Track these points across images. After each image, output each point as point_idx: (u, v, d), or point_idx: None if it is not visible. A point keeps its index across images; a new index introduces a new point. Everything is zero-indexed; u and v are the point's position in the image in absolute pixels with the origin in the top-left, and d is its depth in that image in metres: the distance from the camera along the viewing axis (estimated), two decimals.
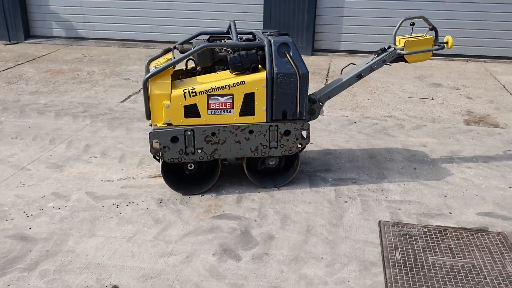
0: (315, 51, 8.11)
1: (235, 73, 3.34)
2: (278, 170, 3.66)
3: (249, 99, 3.33)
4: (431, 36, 3.75)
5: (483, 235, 3.04)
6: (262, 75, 3.30)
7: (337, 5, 7.87)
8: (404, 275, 2.64)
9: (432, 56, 3.89)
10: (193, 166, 3.50)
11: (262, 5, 7.96)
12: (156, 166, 3.92)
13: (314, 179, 3.74)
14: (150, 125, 3.40)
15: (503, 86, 6.51)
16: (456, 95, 6.06)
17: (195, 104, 3.29)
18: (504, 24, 7.62)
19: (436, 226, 3.14)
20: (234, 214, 3.25)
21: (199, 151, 3.37)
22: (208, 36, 3.76)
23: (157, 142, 3.30)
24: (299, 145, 3.50)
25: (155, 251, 2.85)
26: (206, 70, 3.51)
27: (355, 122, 5.00)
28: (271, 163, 3.58)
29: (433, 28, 3.72)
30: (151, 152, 3.34)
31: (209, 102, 3.30)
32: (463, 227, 3.13)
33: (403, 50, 3.68)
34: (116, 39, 8.68)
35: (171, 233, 3.03)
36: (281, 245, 2.92)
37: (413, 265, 2.73)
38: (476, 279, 2.62)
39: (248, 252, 2.85)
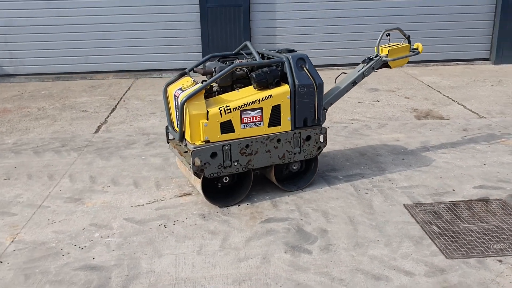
0: None
1: (259, 88, 3.63)
2: (297, 174, 3.99)
3: (276, 110, 3.65)
4: (407, 44, 4.36)
5: (488, 203, 3.65)
6: (286, 88, 3.64)
7: (268, 25, 8.42)
8: (450, 242, 3.12)
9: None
10: (228, 179, 3.71)
11: (199, 29, 8.25)
12: (176, 186, 4.05)
13: (327, 179, 4.13)
14: (185, 145, 3.56)
15: (428, 85, 7.49)
16: (395, 96, 6.86)
17: (230, 120, 3.52)
18: (413, 32, 8.71)
19: (449, 201, 3.69)
20: (279, 217, 3.52)
21: (235, 163, 3.59)
22: (218, 58, 4.02)
23: (198, 159, 3.47)
24: (319, 148, 3.88)
25: (231, 258, 3.03)
26: (225, 89, 3.75)
27: (328, 127, 5.50)
28: (294, 167, 3.90)
29: (408, 37, 4.34)
30: (193, 169, 3.49)
31: (242, 117, 3.55)
32: (470, 199, 3.72)
33: (387, 57, 4.25)
34: (48, 73, 8.38)
35: (233, 241, 3.22)
36: (337, 235, 3.25)
37: (452, 234, 3.22)
38: (505, 236, 3.18)
39: (314, 245, 3.14)
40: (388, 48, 4.25)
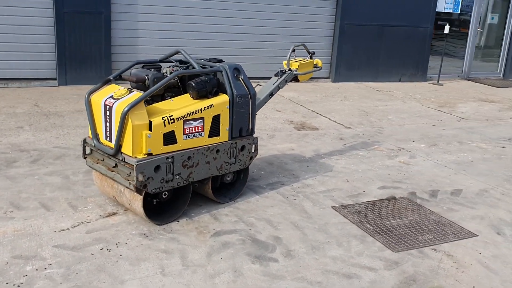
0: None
1: (197, 98, 3.52)
2: (227, 185, 3.95)
3: (216, 120, 3.58)
4: (311, 60, 4.69)
5: (397, 200, 4.14)
6: (225, 97, 3.60)
7: (130, 35, 8.09)
8: (387, 237, 3.46)
9: None
10: (167, 194, 3.48)
11: (54, 35, 7.50)
12: (96, 206, 3.65)
13: (252, 188, 4.17)
14: (122, 159, 3.25)
15: (290, 100, 8.06)
16: (268, 110, 7.22)
17: (173, 130, 3.34)
18: (259, 51, 9.30)
19: (366, 201, 4.07)
20: (226, 229, 3.44)
21: (177, 177, 3.41)
22: (142, 64, 3.77)
23: (142, 173, 3.20)
24: (251, 158, 3.91)
25: (201, 275, 2.87)
26: (154, 98, 3.55)
27: None
28: (228, 178, 3.85)
29: (312, 54, 4.67)
30: (136, 185, 3.20)
31: (185, 127, 3.40)
32: (381, 199, 4.16)
33: (297, 71, 4.50)
34: None
35: (193, 258, 3.05)
36: (292, 241, 3.33)
37: (385, 230, 3.57)
38: (426, 228, 3.65)
39: (276, 253, 3.16)
40: (298, 62, 4.52)
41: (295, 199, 4.01)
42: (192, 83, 3.48)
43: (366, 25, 9.88)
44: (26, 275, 2.75)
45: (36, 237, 3.17)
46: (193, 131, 3.46)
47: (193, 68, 3.61)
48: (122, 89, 3.37)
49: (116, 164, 3.40)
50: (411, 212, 3.92)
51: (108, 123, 3.34)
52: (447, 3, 10.83)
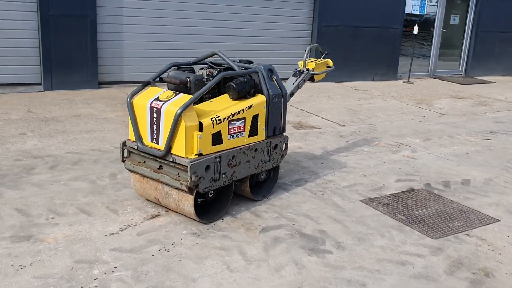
0: (100, 84, 7.97)
1: (236, 98, 3.59)
2: (258, 183, 4.03)
3: (255, 120, 3.66)
4: (325, 60, 4.85)
5: (416, 192, 4.36)
6: (262, 98, 3.69)
7: (116, 38, 7.98)
8: (422, 226, 3.67)
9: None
10: (212, 193, 3.54)
11: (38, 39, 7.29)
12: (136, 209, 3.65)
13: (279, 186, 4.27)
14: (172, 160, 3.28)
15: None
16: None
17: (220, 131, 3.40)
18: (238, 53, 9.42)
19: (390, 194, 4.27)
20: (271, 225, 3.54)
21: (223, 176, 3.47)
22: (177, 67, 3.80)
23: (195, 173, 3.24)
24: (282, 156, 4.01)
25: (266, 269, 2.95)
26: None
27: None
28: (261, 176, 3.94)
29: (326, 54, 4.84)
30: (190, 185, 3.23)
31: (229, 127, 3.47)
32: (402, 191, 4.37)
33: (313, 71, 4.65)
34: None
35: (252, 253, 3.13)
36: (337, 234, 3.47)
37: (416, 219, 3.78)
38: (453, 216, 3.89)
39: (327, 245, 3.29)
40: (315, 62, 4.67)
41: (323, 195, 4.15)
42: (233, 84, 3.55)
43: (342, 27, 10.19)
44: (97, 279, 2.74)
45: (89, 242, 3.14)
46: (236, 131, 3.53)
47: (232, 69, 3.68)
48: (168, 91, 3.40)
49: (160, 166, 3.42)
50: (433, 202, 4.15)
51: (155, 125, 3.35)
52: (414, 5, 11.34)
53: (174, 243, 3.20)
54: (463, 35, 12.61)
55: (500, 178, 4.86)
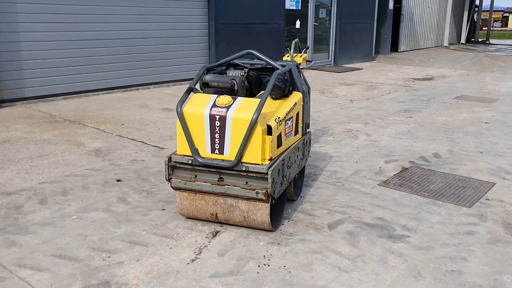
0: (0, 102, 6.83)
1: (276, 97, 3.47)
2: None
3: (297, 118, 3.57)
4: (305, 54, 4.90)
5: (410, 170, 4.70)
6: (300, 94, 3.61)
7: (13, 49, 6.91)
8: (447, 198, 3.98)
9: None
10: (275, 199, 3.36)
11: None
12: (189, 230, 3.30)
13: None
14: (245, 170, 3.04)
15: None
16: None
17: (281, 132, 3.25)
18: (135, 56, 8.96)
19: (393, 175, 4.53)
20: (332, 220, 3.50)
21: (285, 178, 3.33)
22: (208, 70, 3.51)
23: (273, 180, 3.05)
24: (308, 152, 3.98)
25: (376, 263, 2.93)
26: None
27: None
28: (297, 175, 3.85)
29: (307, 48, 4.89)
30: (270, 192, 3.03)
31: (285, 127, 3.33)
32: (400, 171, 4.67)
33: (300, 66, 4.67)
34: None
35: (345, 251, 3.07)
36: (394, 218, 3.58)
37: (438, 193, 4.09)
38: (458, 187, 4.29)
39: (398, 230, 3.38)
40: (302, 57, 4.70)
41: (343, 185, 4.23)
42: (277, 83, 3.41)
43: (236, 24, 10.27)
44: None
45: (180, 274, 2.76)
46: (289, 130, 3.42)
47: (271, 68, 3.54)
48: (224, 97, 3.13)
49: (221, 178, 3.15)
50: (433, 176, 4.52)
51: (217, 134, 3.07)
52: (291, 1, 11.95)
53: (264, 256, 2.98)
54: (330, 28, 13.69)
55: (456, 148, 5.48)
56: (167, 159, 3.22)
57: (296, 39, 4.81)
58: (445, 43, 22.12)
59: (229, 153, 3.08)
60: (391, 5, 16.35)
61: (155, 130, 5.93)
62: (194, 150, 3.13)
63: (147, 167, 4.54)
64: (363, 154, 5.16)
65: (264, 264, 2.89)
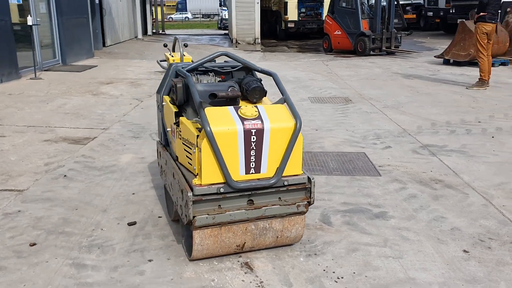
0: None
1: (258, 101, 3.19)
2: None
3: None
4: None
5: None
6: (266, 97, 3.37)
7: None
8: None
9: None
10: None
11: None
12: (217, 271, 2.77)
13: None
14: (286, 183, 2.76)
15: None
16: None
17: None
18: None
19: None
20: (353, 208, 3.49)
21: None
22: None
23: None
24: None
25: (453, 252, 3.14)
26: None
27: None
28: None
29: (185, 46, 4.45)
30: (312, 202, 2.83)
31: None
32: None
33: None
34: None
35: (404, 249, 3.16)
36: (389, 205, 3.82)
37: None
38: (347, 159, 4.83)
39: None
40: (190, 57, 4.29)
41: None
42: (260, 85, 3.11)
43: None
44: None
45: None
46: None
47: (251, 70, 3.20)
48: (247, 107, 2.73)
49: (250, 200, 2.77)
50: (320, 156, 4.93)
51: (253, 150, 2.66)
52: None
53: (325, 270, 2.80)
54: (52, 24, 12.29)
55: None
56: (189, 194, 2.57)
57: (176, 37, 4.35)
58: (140, 35, 22.76)
59: (267, 170, 2.71)
60: None
61: None
62: (229, 175, 2.62)
63: None
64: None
65: (338, 278, 2.72)
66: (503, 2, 10.54)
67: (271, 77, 3.09)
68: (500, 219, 3.48)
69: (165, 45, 4.52)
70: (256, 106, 2.76)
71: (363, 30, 14.12)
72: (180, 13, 65.46)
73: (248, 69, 3.28)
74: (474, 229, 3.32)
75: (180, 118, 2.90)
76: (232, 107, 2.73)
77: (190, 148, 2.73)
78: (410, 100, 7.74)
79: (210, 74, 3.18)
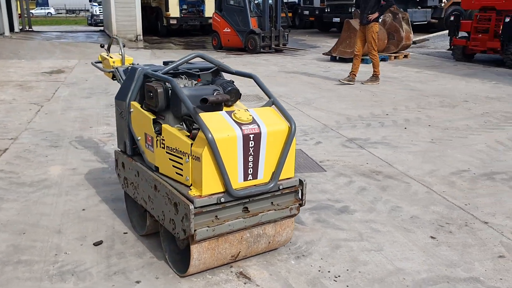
0: None
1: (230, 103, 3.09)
2: None
3: None
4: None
5: None
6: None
7: None
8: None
9: None
10: None
11: None
12: (215, 284, 2.63)
13: None
14: (281, 188, 2.71)
15: None
16: None
17: None
18: None
19: None
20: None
21: None
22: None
23: None
24: None
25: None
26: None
27: None
28: None
29: (102, 46, 4.14)
30: (304, 204, 2.81)
31: None
32: None
33: None
34: None
35: (417, 239, 3.25)
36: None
37: None
38: None
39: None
40: (130, 58, 4.00)
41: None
42: (236, 88, 3.02)
43: None
44: None
45: None
46: None
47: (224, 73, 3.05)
48: (241, 111, 2.64)
49: (245, 208, 2.69)
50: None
51: (251, 156, 2.57)
52: None
53: (319, 270, 2.81)
54: None
55: None
56: (190, 207, 2.40)
57: (115, 35, 3.99)
58: (7, 33, 20.65)
59: (263, 175, 2.64)
60: None
61: None
62: (230, 184, 2.50)
63: None
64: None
65: (336, 276, 2.75)
66: None
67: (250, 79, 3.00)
68: (446, 204, 3.79)
69: (102, 46, 4.12)
70: (248, 110, 2.67)
71: (253, 28, 14.39)
72: (41, 8, 60.77)
73: (217, 71, 3.16)
74: (430, 215, 3.58)
75: (163, 125, 2.69)
76: (224, 112, 2.61)
77: (181, 158, 2.55)
78: (317, 96, 8.07)
79: (182, 77, 2.99)
